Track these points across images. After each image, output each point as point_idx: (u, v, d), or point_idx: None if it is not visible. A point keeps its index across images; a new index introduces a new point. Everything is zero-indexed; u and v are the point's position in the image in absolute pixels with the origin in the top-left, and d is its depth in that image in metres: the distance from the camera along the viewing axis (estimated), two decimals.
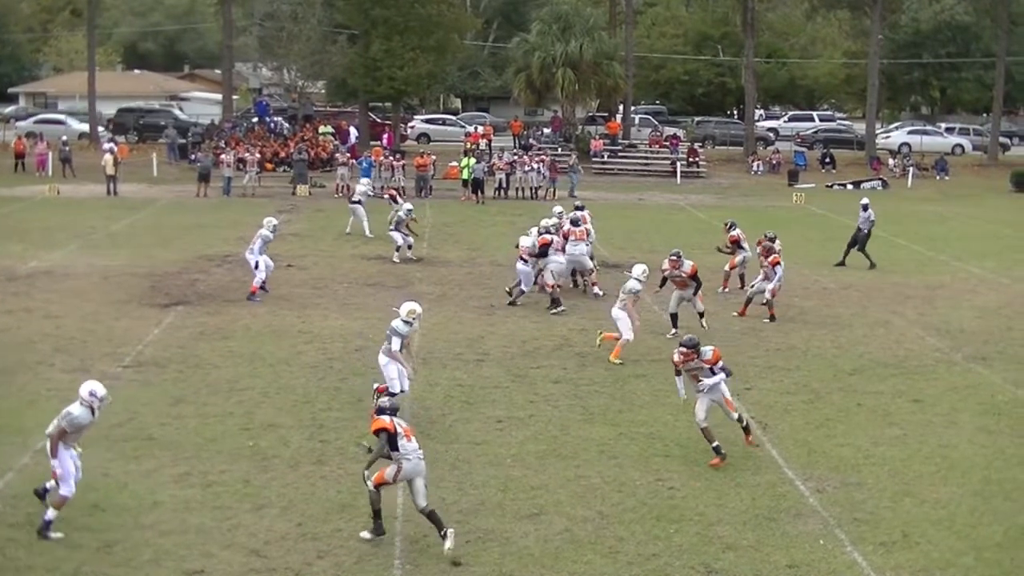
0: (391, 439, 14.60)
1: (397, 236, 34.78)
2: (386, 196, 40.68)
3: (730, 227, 30.84)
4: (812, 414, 20.38)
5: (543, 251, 28.46)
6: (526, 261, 28.82)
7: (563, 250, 29.31)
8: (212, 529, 14.90)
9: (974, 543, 14.87)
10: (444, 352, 24.02)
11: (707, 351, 17.90)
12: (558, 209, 32.77)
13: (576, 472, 17.20)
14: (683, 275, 25.41)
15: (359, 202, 40.37)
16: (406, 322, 19.12)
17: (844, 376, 22.94)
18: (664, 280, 25.98)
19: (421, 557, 14.16)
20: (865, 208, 35.41)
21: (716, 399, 17.92)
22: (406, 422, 15.19)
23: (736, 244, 30.26)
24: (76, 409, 14.85)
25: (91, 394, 14.87)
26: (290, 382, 21.59)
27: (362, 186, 42.66)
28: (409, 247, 34.95)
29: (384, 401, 15.23)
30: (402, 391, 18.87)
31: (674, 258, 25.46)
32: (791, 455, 18.13)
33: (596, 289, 29.98)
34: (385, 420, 14.81)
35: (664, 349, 24.63)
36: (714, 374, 17.82)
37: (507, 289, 29.66)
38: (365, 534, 14.73)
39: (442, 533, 14.24)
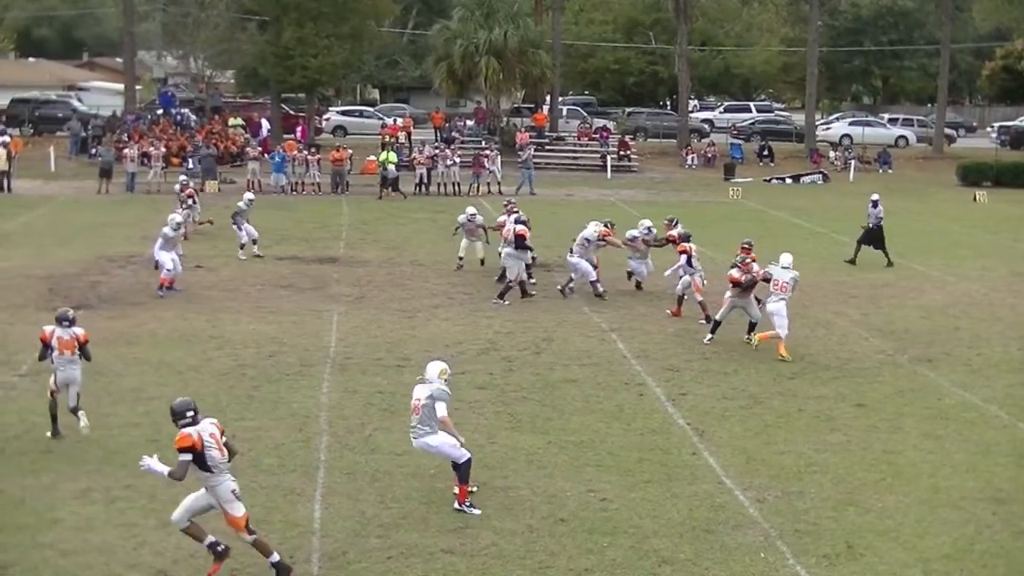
0: (44, 349, 18.47)
1: (246, 230, 35.24)
2: (184, 194, 39.57)
3: (673, 223, 30.47)
4: (751, 420, 20.46)
5: (521, 244, 29.54)
6: (571, 252, 30.43)
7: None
8: (116, 548, 14.74)
9: (921, 554, 14.99)
10: (363, 357, 23.94)
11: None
12: (471, 210, 33.16)
13: (503, 483, 17.17)
14: (755, 278, 25.10)
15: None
16: (446, 382, 16.77)
17: (784, 380, 23.06)
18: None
19: (339, 574, 14.10)
20: (875, 204, 35.60)
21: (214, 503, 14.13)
22: (70, 334, 18.45)
23: (681, 252, 29.15)
24: None
25: None
26: (200, 390, 21.34)
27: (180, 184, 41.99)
28: (254, 242, 35.31)
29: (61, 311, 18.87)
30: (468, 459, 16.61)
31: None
32: (729, 463, 18.20)
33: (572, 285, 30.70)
34: (45, 331, 18.54)
35: (595, 352, 24.71)
36: (208, 470, 13.84)
37: (559, 288, 30.77)
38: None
39: (77, 417, 18.57)
